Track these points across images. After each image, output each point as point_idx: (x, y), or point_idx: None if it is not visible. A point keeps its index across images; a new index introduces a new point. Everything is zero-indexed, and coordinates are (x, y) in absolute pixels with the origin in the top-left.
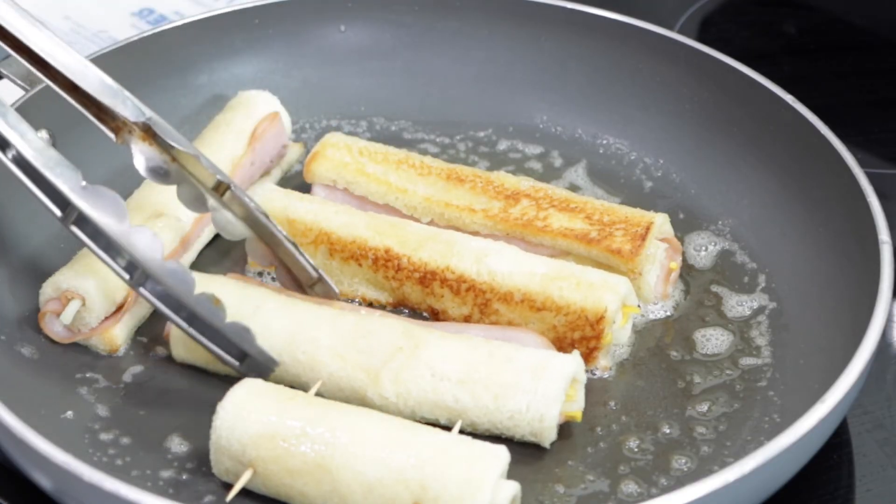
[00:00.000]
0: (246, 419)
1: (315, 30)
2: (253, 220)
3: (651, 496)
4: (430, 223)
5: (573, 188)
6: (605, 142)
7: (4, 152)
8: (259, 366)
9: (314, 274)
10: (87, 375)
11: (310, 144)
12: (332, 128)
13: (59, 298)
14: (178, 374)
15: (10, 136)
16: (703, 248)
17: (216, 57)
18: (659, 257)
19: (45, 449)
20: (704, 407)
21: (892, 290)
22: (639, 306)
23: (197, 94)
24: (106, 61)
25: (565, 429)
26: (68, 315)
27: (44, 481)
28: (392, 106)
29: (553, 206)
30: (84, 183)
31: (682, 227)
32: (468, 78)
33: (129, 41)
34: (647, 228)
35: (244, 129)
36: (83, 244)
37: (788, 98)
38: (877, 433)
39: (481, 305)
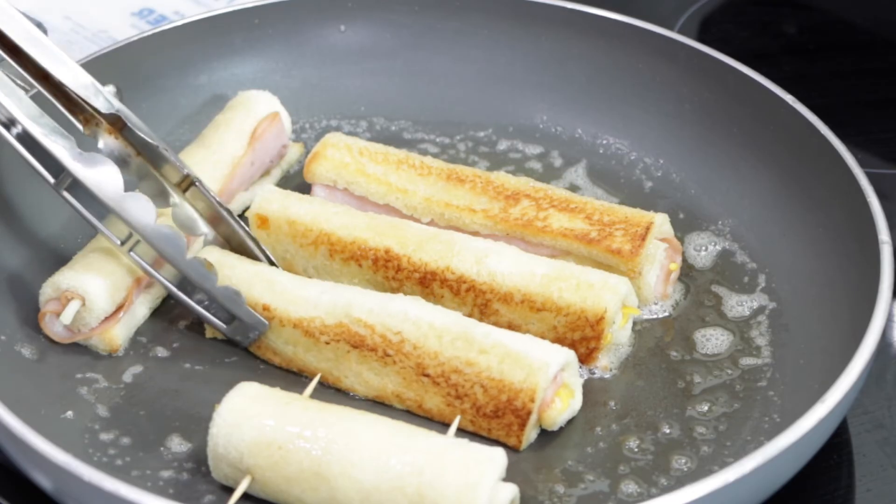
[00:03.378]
0: (242, 426)
1: (315, 30)
2: (215, 216)
3: (651, 496)
4: (431, 223)
5: (573, 188)
6: (605, 142)
7: None
8: (246, 329)
9: None
10: (87, 375)
11: (310, 144)
12: (332, 128)
13: (59, 298)
14: (178, 374)
15: (6, 103)
16: (703, 248)
17: (216, 57)
18: (659, 257)
19: (45, 449)
20: (704, 407)
21: (892, 290)
22: (638, 307)
23: (197, 94)
24: (106, 61)
25: (566, 429)
26: (68, 315)
27: (44, 481)
28: (392, 106)
29: (553, 206)
30: (79, 150)
31: (682, 227)
32: (468, 78)
33: (129, 41)
34: (647, 228)
35: (244, 129)
36: (75, 210)
37: (788, 98)
38: (877, 433)
39: (481, 306)
